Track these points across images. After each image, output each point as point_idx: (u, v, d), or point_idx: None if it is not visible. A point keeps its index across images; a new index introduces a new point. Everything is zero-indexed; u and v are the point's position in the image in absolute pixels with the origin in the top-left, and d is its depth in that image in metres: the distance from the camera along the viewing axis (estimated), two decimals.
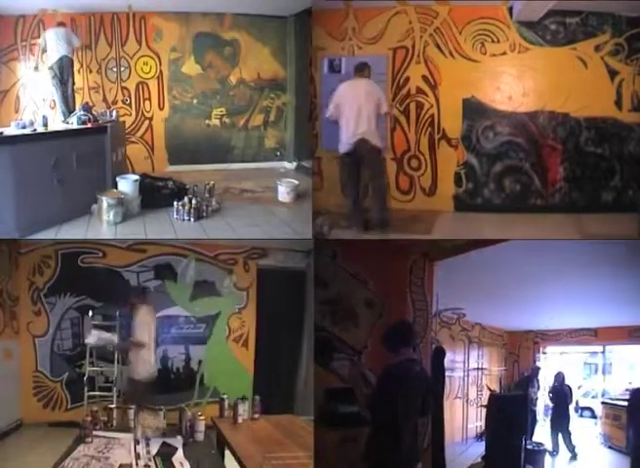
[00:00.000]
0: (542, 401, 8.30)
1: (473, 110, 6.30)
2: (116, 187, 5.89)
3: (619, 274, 5.00)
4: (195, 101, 8.02)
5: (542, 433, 7.23)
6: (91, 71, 7.44)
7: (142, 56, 7.61)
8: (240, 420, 4.63)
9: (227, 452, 4.09)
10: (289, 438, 4.15)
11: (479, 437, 6.69)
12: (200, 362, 6.42)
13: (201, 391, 6.38)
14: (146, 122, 7.73)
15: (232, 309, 6.54)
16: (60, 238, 5.53)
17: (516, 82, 6.21)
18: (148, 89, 7.69)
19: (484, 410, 5.89)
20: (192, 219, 5.75)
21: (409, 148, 6.41)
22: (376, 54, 6.32)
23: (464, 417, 7.17)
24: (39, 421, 5.94)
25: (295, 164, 8.18)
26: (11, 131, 5.38)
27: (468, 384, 7.33)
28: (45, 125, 5.60)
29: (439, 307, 5.30)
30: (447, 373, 5.66)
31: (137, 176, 6.15)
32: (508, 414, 5.36)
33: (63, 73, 6.68)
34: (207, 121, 8.12)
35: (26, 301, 6.11)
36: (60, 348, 6.13)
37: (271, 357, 6.62)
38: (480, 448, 5.67)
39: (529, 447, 5.67)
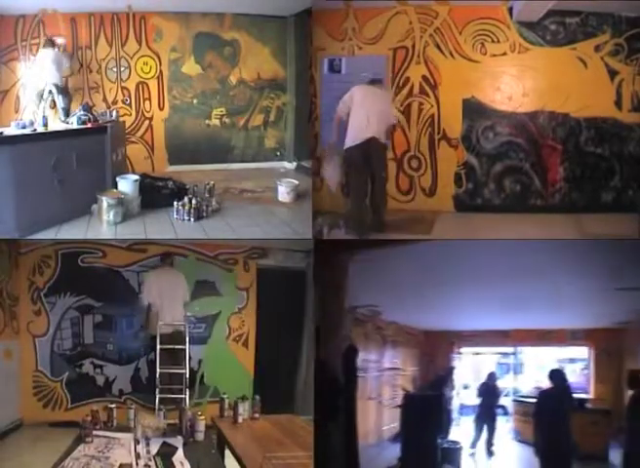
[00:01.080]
0: (458, 400, 8.38)
1: (473, 110, 6.30)
2: (116, 187, 5.89)
3: (532, 278, 4.92)
4: (195, 101, 8.02)
5: (458, 432, 7.18)
6: (91, 71, 7.44)
7: (142, 56, 7.61)
8: (240, 420, 4.63)
9: (227, 452, 4.09)
10: (289, 437, 4.16)
11: (394, 438, 6.34)
12: (200, 361, 6.39)
13: (201, 391, 6.38)
14: (146, 122, 7.73)
15: (232, 309, 6.54)
16: (59, 238, 5.53)
17: (516, 82, 6.21)
18: (148, 89, 7.69)
19: (399, 411, 5.78)
20: (192, 219, 5.75)
21: (409, 148, 6.41)
22: (376, 54, 6.33)
23: (378, 419, 6.74)
24: (39, 421, 5.92)
25: (295, 164, 8.18)
26: (11, 131, 5.38)
27: (382, 384, 6.95)
28: (45, 125, 5.60)
29: (354, 304, 5.22)
30: (359, 373, 5.40)
31: (137, 176, 6.15)
32: (424, 414, 5.34)
33: (46, 98, 6.66)
34: (207, 121, 8.12)
35: (26, 301, 6.09)
36: (60, 348, 6.12)
37: (271, 357, 6.62)
38: (396, 450, 5.54)
39: (445, 446, 5.65)
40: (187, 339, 5.60)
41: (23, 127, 5.48)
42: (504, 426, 8.32)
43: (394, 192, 6.43)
